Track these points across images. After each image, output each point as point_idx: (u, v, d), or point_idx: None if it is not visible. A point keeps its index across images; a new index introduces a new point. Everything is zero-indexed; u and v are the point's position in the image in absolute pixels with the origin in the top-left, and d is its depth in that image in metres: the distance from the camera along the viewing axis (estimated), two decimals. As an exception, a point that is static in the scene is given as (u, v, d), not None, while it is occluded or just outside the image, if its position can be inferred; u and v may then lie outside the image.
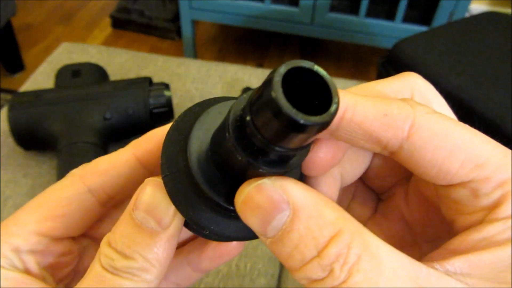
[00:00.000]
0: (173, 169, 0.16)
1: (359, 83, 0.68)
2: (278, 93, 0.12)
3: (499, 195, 0.13)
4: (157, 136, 0.19)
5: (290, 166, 0.14)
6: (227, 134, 0.14)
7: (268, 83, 0.13)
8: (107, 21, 1.88)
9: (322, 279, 0.12)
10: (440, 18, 1.30)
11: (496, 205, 0.13)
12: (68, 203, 0.19)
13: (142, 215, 0.16)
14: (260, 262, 0.53)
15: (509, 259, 0.12)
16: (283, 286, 0.53)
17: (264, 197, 0.13)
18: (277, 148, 0.13)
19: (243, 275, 0.51)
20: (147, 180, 0.17)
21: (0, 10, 1.31)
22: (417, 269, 0.13)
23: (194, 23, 1.53)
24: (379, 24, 1.36)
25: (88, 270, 0.17)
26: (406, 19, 1.34)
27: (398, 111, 0.14)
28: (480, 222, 0.14)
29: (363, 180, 0.20)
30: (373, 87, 0.16)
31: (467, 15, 1.35)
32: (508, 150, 0.14)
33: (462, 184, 0.14)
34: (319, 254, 0.12)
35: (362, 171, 0.19)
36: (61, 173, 0.52)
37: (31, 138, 0.56)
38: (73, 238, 0.20)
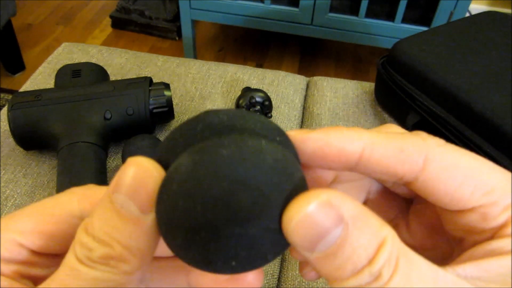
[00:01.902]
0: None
1: (359, 83, 0.68)
2: None
3: (506, 218, 0.15)
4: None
5: None
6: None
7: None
8: (107, 21, 1.88)
9: (369, 283, 0.13)
10: (440, 18, 1.30)
11: (503, 226, 0.15)
12: (58, 222, 0.18)
13: (123, 198, 0.15)
14: (260, 262, 0.53)
15: None
16: (283, 286, 0.53)
17: (322, 215, 0.13)
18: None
19: (243, 275, 0.51)
20: (130, 159, 0.15)
21: (0, 10, 1.31)
22: (435, 270, 0.14)
23: (194, 23, 1.53)
24: (379, 24, 1.36)
25: (63, 262, 0.15)
26: (406, 19, 1.34)
27: (413, 146, 0.15)
28: (489, 239, 0.15)
29: None
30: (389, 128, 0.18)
31: (467, 15, 1.35)
32: (509, 174, 0.16)
33: (472, 209, 0.15)
34: (369, 262, 0.13)
35: None
36: (61, 173, 0.52)
37: (31, 138, 0.56)
38: (55, 255, 0.19)
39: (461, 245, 0.17)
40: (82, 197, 0.19)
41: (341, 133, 0.16)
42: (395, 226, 0.21)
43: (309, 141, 0.16)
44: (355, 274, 0.13)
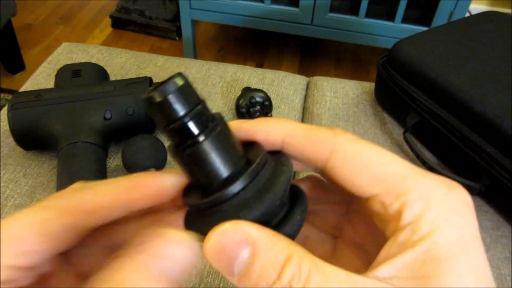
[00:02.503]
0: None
1: (359, 83, 0.68)
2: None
3: (399, 205, 0.16)
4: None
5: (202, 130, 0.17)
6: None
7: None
8: (107, 21, 1.88)
9: None
10: (440, 18, 1.30)
11: (399, 214, 0.16)
12: (46, 240, 0.18)
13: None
14: (260, 262, 0.53)
15: (420, 256, 0.15)
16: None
17: (228, 239, 0.15)
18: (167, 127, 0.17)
19: (243, 275, 0.51)
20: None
21: (0, 10, 1.31)
22: (355, 278, 0.15)
23: (194, 23, 1.53)
24: (379, 24, 1.36)
25: None
26: (406, 19, 1.34)
27: (323, 137, 0.18)
28: (395, 230, 0.16)
29: (314, 225, 0.23)
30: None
31: (467, 15, 1.35)
32: (410, 167, 0.17)
33: (373, 198, 0.17)
34: (278, 276, 0.15)
35: None
36: (61, 173, 0.52)
37: (31, 138, 0.56)
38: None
39: (385, 238, 0.18)
40: (69, 211, 0.18)
41: (267, 124, 0.19)
42: (341, 229, 0.22)
43: (242, 131, 0.19)
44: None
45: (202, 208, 0.17)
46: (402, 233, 0.16)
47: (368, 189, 0.17)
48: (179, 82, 0.17)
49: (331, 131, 0.18)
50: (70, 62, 0.69)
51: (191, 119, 0.17)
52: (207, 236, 0.16)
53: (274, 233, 0.16)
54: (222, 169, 0.17)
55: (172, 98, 0.16)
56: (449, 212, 0.16)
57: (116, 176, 0.59)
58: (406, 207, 0.16)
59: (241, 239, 0.15)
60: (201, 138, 0.17)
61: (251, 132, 0.19)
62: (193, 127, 0.17)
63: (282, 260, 0.15)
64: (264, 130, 0.18)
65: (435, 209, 0.16)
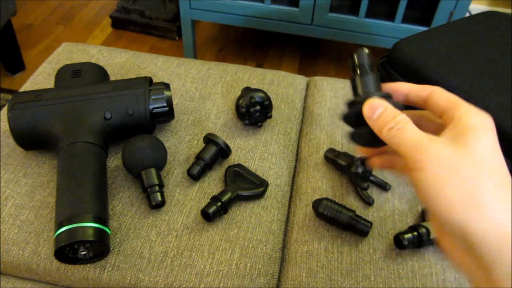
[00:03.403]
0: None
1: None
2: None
3: (453, 111, 0.32)
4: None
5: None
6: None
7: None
8: (107, 21, 1.88)
9: (395, 127, 0.31)
10: (440, 18, 1.30)
11: (452, 115, 0.31)
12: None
13: None
14: (260, 262, 0.53)
15: (456, 131, 0.30)
16: (283, 286, 0.53)
17: (374, 102, 0.33)
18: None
19: (243, 275, 0.51)
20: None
21: (0, 10, 1.31)
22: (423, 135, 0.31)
23: (194, 23, 1.53)
24: (379, 24, 1.36)
25: None
26: (406, 19, 1.34)
27: (427, 87, 0.35)
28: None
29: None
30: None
31: (467, 15, 1.35)
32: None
33: (446, 110, 0.32)
34: (394, 117, 0.32)
35: None
36: (61, 173, 0.52)
37: (31, 138, 0.56)
38: None
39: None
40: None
41: (398, 84, 0.36)
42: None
43: (387, 89, 0.36)
44: (390, 120, 0.31)
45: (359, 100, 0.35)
46: (452, 122, 0.31)
47: (443, 107, 0.33)
48: (369, 52, 0.36)
49: (430, 85, 0.35)
50: (70, 62, 0.69)
51: (370, 66, 0.35)
52: (367, 100, 0.33)
53: (390, 106, 0.33)
54: (373, 89, 0.35)
55: (368, 56, 0.36)
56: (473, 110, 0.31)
57: (116, 176, 0.59)
58: (456, 111, 0.31)
59: (379, 104, 0.33)
60: (368, 70, 0.35)
61: (394, 89, 0.36)
62: (370, 67, 0.36)
63: (395, 113, 0.32)
64: (396, 88, 0.36)
65: (468, 109, 0.31)
